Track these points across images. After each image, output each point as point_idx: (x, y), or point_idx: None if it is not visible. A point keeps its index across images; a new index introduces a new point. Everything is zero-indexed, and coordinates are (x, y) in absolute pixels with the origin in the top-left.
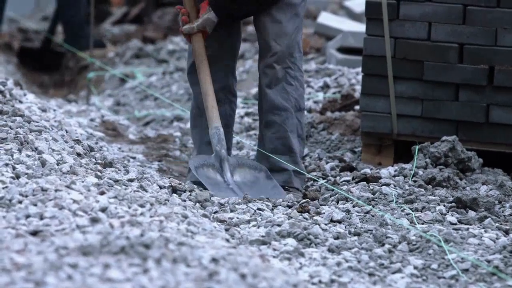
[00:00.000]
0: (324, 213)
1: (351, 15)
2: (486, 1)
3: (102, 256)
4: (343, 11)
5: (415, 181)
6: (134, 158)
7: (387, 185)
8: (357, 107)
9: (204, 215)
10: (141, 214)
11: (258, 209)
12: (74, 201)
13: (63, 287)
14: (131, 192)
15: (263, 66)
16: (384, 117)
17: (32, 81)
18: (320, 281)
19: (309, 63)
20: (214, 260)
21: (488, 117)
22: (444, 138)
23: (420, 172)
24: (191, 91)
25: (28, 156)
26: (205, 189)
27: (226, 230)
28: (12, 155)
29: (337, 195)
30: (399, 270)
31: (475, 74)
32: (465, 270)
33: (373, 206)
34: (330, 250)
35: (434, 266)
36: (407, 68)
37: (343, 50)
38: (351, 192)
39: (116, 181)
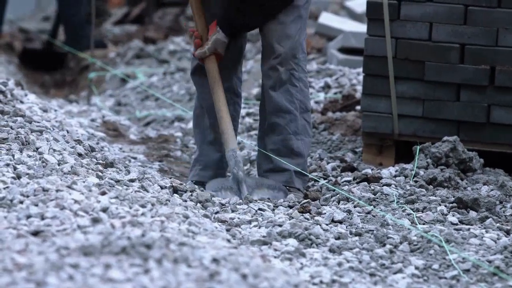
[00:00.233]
0: (325, 213)
1: (352, 15)
2: (487, 2)
3: (103, 256)
4: (344, 11)
5: (416, 181)
6: (135, 158)
7: (388, 185)
8: (358, 107)
9: (205, 216)
10: (142, 214)
11: (259, 209)
12: (75, 201)
13: (64, 287)
14: (132, 192)
15: (266, 68)
16: (385, 118)
17: (33, 81)
18: (321, 282)
19: (310, 63)
20: (215, 260)
21: (489, 117)
22: (445, 138)
23: (421, 172)
24: (192, 91)
25: (29, 156)
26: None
27: (227, 230)
28: (13, 155)
29: (338, 195)
30: (400, 271)
31: (476, 75)
32: (466, 271)
33: (374, 207)
34: (331, 251)
35: (435, 266)
36: (408, 68)
37: (344, 50)
38: (352, 193)
39: (117, 181)
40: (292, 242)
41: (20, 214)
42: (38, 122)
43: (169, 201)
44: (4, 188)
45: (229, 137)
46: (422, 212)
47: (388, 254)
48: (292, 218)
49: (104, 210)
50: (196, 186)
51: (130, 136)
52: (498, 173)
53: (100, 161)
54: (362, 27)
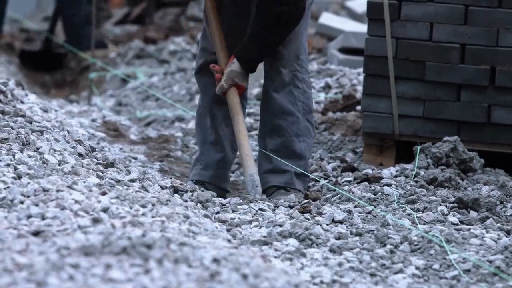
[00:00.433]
0: (325, 213)
1: (353, 15)
2: (487, 2)
3: (104, 257)
4: (345, 11)
5: (416, 182)
6: (135, 158)
7: (389, 185)
8: (358, 107)
9: (206, 216)
10: (143, 214)
11: (260, 209)
12: (76, 202)
13: (65, 287)
14: (132, 192)
15: (269, 70)
16: (386, 118)
17: (34, 81)
18: (321, 282)
19: (310, 63)
20: (215, 260)
21: (490, 117)
22: (445, 138)
23: (422, 172)
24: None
25: (30, 156)
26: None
27: (228, 230)
28: (13, 156)
29: (338, 195)
30: (400, 271)
31: (477, 75)
32: (467, 271)
33: (375, 207)
34: (331, 251)
35: (436, 266)
36: (409, 68)
37: (344, 50)
38: (353, 193)
39: (118, 181)
40: (293, 242)
41: (20, 214)
42: (39, 122)
43: (169, 201)
44: (5, 188)
45: (248, 163)
46: (423, 212)
47: (388, 254)
48: (293, 218)
49: (105, 210)
50: (197, 186)
51: (131, 136)
52: (498, 173)
53: (101, 161)
54: (362, 27)
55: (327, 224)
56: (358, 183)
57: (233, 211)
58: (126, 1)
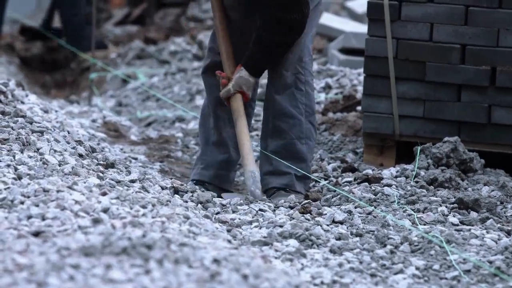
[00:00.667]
0: (326, 214)
1: (353, 16)
2: (488, 2)
3: (104, 257)
4: (345, 12)
5: (417, 182)
6: (136, 159)
7: (389, 186)
8: (359, 108)
9: (206, 216)
10: (143, 215)
11: (260, 210)
12: (76, 202)
13: None
14: (133, 193)
15: (271, 72)
16: (386, 118)
17: (34, 82)
18: (322, 282)
19: None
20: (216, 261)
21: (490, 118)
22: (446, 139)
23: (422, 173)
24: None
25: (30, 157)
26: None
27: (228, 231)
28: (14, 156)
29: (339, 195)
30: (401, 271)
31: (477, 75)
32: (467, 271)
33: (375, 207)
34: (332, 251)
35: (436, 267)
36: (409, 69)
37: (345, 51)
38: (353, 193)
39: (118, 182)
40: (293, 243)
41: (21, 215)
42: (39, 123)
43: (170, 201)
44: (5, 189)
45: (248, 161)
46: (423, 212)
47: (388, 254)
48: (293, 218)
49: (105, 210)
50: (197, 187)
51: (131, 137)
52: (499, 174)
53: (101, 162)
54: (363, 28)
55: (328, 225)
56: (358, 183)
57: (233, 212)
58: (126, 2)
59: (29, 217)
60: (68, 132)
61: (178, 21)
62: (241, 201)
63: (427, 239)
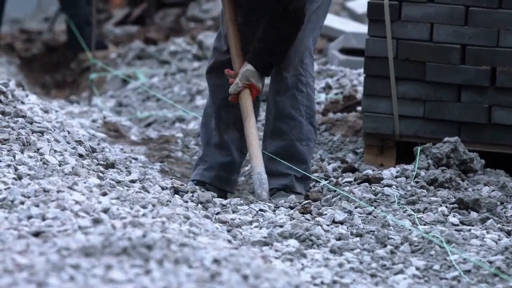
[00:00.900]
0: (326, 214)
1: (353, 16)
2: (488, 2)
3: (104, 257)
4: (345, 12)
5: (417, 182)
6: (136, 159)
7: (389, 186)
8: (359, 108)
9: (206, 216)
10: (143, 215)
11: (260, 210)
12: (76, 202)
13: None
14: (133, 193)
15: (273, 73)
16: (386, 118)
17: (34, 82)
18: (322, 282)
19: None
20: (216, 261)
21: (490, 118)
22: (446, 139)
23: (422, 173)
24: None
25: (30, 157)
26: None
27: (228, 231)
28: (14, 156)
29: (339, 196)
30: (401, 271)
31: (477, 75)
32: (467, 271)
33: (375, 207)
34: (332, 251)
35: (436, 267)
36: (409, 69)
37: (345, 51)
38: (353, 193)
39: (118, 182)
40: (293, 243)
41: (21, 215)
42: (39, 123)
43: (170, 202)
44: (5, 189)
45: (256, 162)
46: (423, 212)
47: (389, 254)
48: (293, 219)
49: (105, 211)
50: (197, 187)
51: (131, 137)
52: (499, 174)
53: (101, 162)
54: (363, 28)
55: (328, 225)
56: (358, 183)
57: (233, 212)
58: (126, 2)
59: (29, 217)
60: (68, 132)
61: (178, 21)
62: (241, 201)
63: (427, 239)
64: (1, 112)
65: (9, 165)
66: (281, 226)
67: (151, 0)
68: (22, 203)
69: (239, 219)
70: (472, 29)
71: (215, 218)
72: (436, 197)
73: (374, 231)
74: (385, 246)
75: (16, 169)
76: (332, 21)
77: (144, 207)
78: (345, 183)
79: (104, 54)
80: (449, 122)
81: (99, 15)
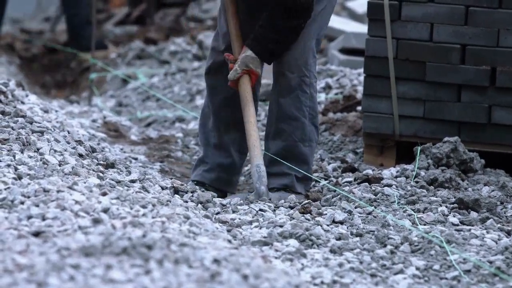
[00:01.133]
0: (326, 214)
1: (353, 16)
2: (488, 2)
3: (104, 257)
4: (345, 12)
5: (417, 182)
6: (136, 159)
7: (389, 186)
8: (359, 108)
9: (206, 216)
10: (143, 215)
11: (260, 210)
12: (76, 202)
13: None
14: (133, 193)
15: (276, 73)
16: (386, 118)
17: (34, 82)
18: (322, 282)
19: None
20: (216, 261)
21: (490, 118)
22: (446, 139)
23: (422, 173)
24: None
25: (30, 157)
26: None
27: (228, 231)
28: (14, 156)
29: (339, 195)
30: (401, 271)
31: (477, 75)
32: (467, 271)
33: (375, 207)
34: (332, 251)
35: (436, 267)
36: (409, 69)
37: (345, 51)
38: (353, 193)
39: (118, 182)
40: (293, 243)
41: (21, 215)
42: (39, 123)
43: (170, 201)
44: (5, 189)
45: (255, 154)
46: (423, 212)
47: (389, 254)
48: (293, 218)
49: (105, 210)
50: (197, 187)
51: (131, 137)
52: (499, 174)
53: (101, 162)
54: (363, 28)
55: (328, 225)
56: (358, 183)
57: (233, 212)
58: (126, 2)
59: (29, 217)
60: (68, 132)
61: (178, 21)
62: (241, 201)
63: (427, 239)
64: (1, 112)
65: (9, 165)
66: (281, 226)
67: (151, 0)
68: (22, 203)
69: (239, 219)
70: (472, 29)
71: (215, 218)
72: (436, 197)
73: (374, 231)
74: (385, 246)
75: (16, 169)
76: (332, 21)
77: (144, 207)
78: (345, 183)
79: (104, 54)
80: (449, 122)
81: (99, 15)
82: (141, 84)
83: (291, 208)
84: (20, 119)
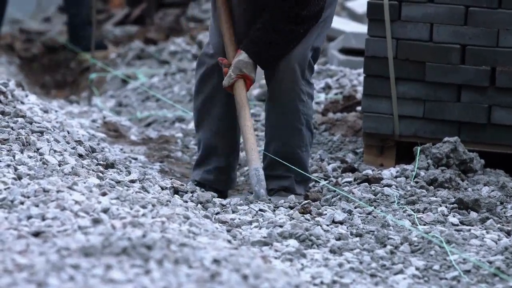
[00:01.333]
0: (326, 214)
1: (353, 16)
2: (488, 2)
3: (104, 257)
4: (345, 12)
5: (417, 182)
6: (136, 159)
7: (389, 186)
8: (359, 108)
9: (206, 216)
10: (143, 215)
11: (260, 210)
12: (76, 202)
13: None
14: (133, 193)
15: (272, 81)
16: (386, 118)
17: (34, 82)
18: (322, 282)
19: None
20: (216, 261)
21: (490, 118)
22: (446, 139)
23: (422, 173)
24: (193, 91)
25: (30, 157)
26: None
27: (228, 231)
28: (14, 156)
29: (339, 196)
30: (401, 271)
31: (477, 75)
32: (467, 271)
33: (375, 207)
34: (332, 251)
35: (436, 267)
36: (409, 69)
37: (345, 51)
38: (353, 193)
39: (118, 182)
40: (293, 243)
41: (21, 215)
42: (39, 123)
43: (169, 202)
44: (5, 189)
45: (253, 157)
46: (423, 213)
47: (388, 254)
48: (293, 219)
49: (105, 211)
50: (197, 188)
51: (131, 137)
52: (499, 174)
53: (101, 162)
54: (363, 28)
55: (327, 225)
56: (358, 183)
57: (233, 212)
58: (126, 2)
59: (29, 217)
60: (68, 132)
61: (178, 21)
62: (241, 201)
63: (427, 239)
64: (1, 112)
65: (8, 165)
66: (281, 226)
67: (151, 0)
68: (22, 203)
69: (239, 219)
70: (472, 29)
71: (215, 218)
72: (436, 197)
73: (374, 231)
74: (385, 246)
75: (16, 169)
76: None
77: (144, 207)
78: (345, 183)
79: (103, 54)
80: (449, 122)
81: (99, 15)
82: (141, 84)
83: (291, 208)
84: (20, 119)
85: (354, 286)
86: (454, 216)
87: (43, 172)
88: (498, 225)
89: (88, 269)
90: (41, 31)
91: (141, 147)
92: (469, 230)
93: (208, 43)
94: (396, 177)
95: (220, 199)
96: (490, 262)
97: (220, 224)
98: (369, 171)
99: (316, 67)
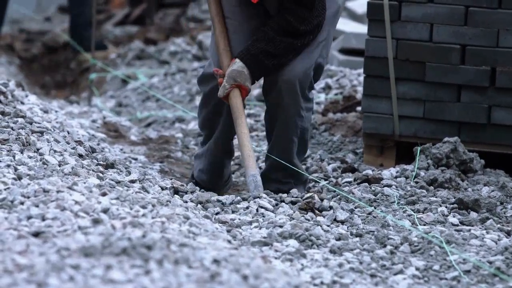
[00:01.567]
0: (326, 214)
1: (353, 16)
2: (488, 2)
3: (104, 257)
4: (345, 12)
5: (417, 182)
6: (136, 159)
7: (389, 186)
8: (359, 108)
9: (206, 216)
10: (143, 215)
11: (260, 207)
12: (76, 202)
13: None
14: (133, 193)
15: (273, 96)
16: (386, 119)
17: (34, 82)
18: (322, 282)
19: None
20: (216, 261)
21: (490, 118)
22: (446, 139)
23: (422, 173)
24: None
25: (30, 157)
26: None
27: (228, 231)
28: (14, 156)
29: (339, 196)
30: (400, 271)
31: (477, 76)
32: (467, 271)
33: (375, 207)
34: (332, 251)
35: (436, 267)
36: (409, 69)
37: (345, 51)
38: (353, 193)
39: (118, 182)
40: (293, 243)
41: (21, 215)
42: (39, 123)
43: (169, 202)
44: (5, 189)
45: (250, 164)
46: (423, 213)
47: (388, 255)
48: (293, 219)
49: (105, 211)
50: (197, 188)
51: (131, 137)
52: (498, 174)
53: (101, 162)
54: (363, 28)
55: (328, 225)
56: (358, 184)
57: (233, 212)
58: (126, 2)
59: (29, 217)
60: (68, 133)
61: (178, 21)
62: (244, 195)
63: (427, 240)
64: (1, 112)
65: (8, 165)
66: (280, 226)
67: (151, 0)
68: (22, 203)
69: (239, 219)
70: (472, 29)
71: (214, 218)
72: (436, 197)
73: (374, 231)
74: (384, 246)
75: (16, 169)
76: None
77: (143, 207)
78: (345, 183)
79: (103, 54)
80: (449, 122)
81: (99, 15)
82: (141, 85)
83: (293, 203)
84: (20, 120)
85: (354, 286)
86: (454, 216)
87: (43, 172)
88: (498, 225)
89: (88, 269)
90: (41, 31)
91: (141, 147)
92: (469, 230)
93: (209, 63)
94: (396, 177)
95: (220, 198)
96: (490, 262)
97: (220, 224)
98: (369, 171)
99: (312, 92)
